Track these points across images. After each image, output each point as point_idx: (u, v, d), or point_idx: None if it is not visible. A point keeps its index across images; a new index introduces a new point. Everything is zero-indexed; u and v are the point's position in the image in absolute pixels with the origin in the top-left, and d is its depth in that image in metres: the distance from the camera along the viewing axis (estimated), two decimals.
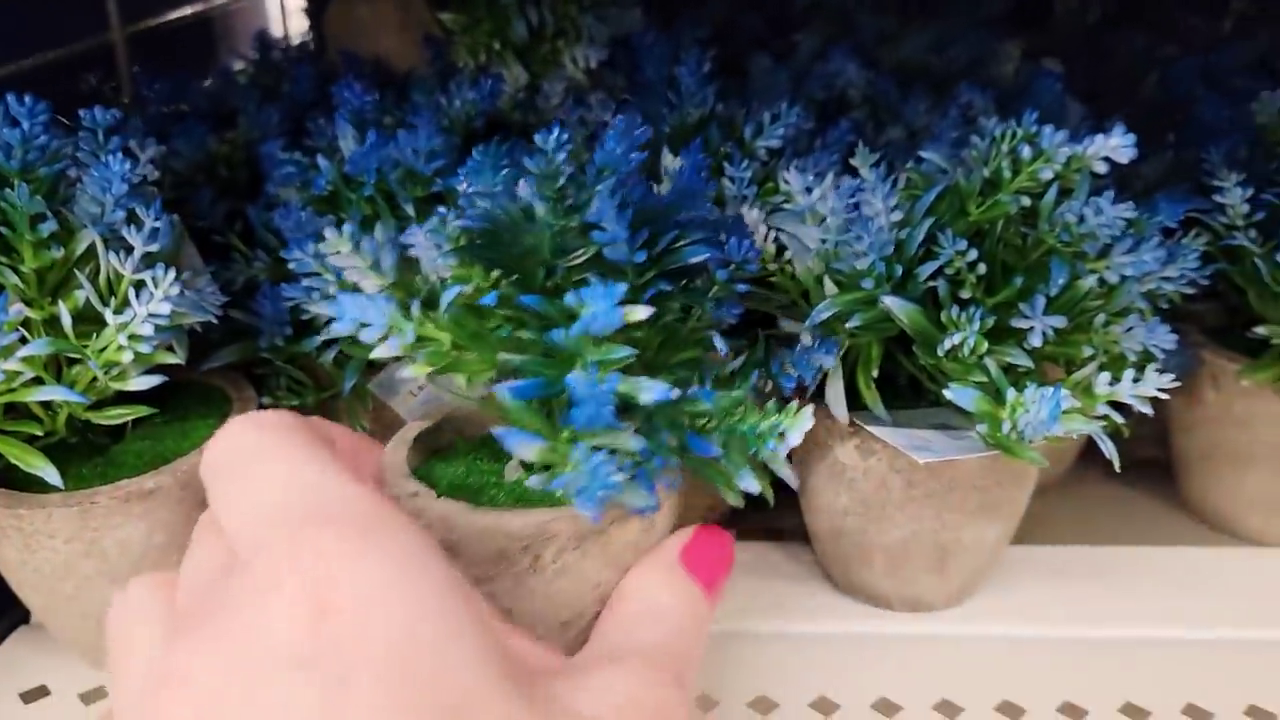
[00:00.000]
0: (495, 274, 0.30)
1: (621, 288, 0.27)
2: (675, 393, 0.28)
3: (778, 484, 0.34)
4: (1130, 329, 0.41)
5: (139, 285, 0.40)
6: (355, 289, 0.32)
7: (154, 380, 0.41)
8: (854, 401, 0.42)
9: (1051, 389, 0.37)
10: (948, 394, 0.38)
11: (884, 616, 0.47)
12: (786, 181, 0.43)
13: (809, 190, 0.43)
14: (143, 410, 0.41)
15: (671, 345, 0.32)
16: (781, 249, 0.43)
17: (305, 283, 0.40)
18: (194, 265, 0.46)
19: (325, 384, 0.48)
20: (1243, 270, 0.49)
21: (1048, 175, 0.39)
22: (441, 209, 0.35)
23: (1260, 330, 0.48)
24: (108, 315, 0.40)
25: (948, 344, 0.39)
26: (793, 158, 0.50)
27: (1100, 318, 0.41)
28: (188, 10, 0.79)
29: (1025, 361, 0.39)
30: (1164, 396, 0.38)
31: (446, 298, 0.30)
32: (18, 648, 0.46)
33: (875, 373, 0.41)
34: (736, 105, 0.55)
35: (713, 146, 0.51)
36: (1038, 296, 0.38)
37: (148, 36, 0.72)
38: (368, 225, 0.45)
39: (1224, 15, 0.75)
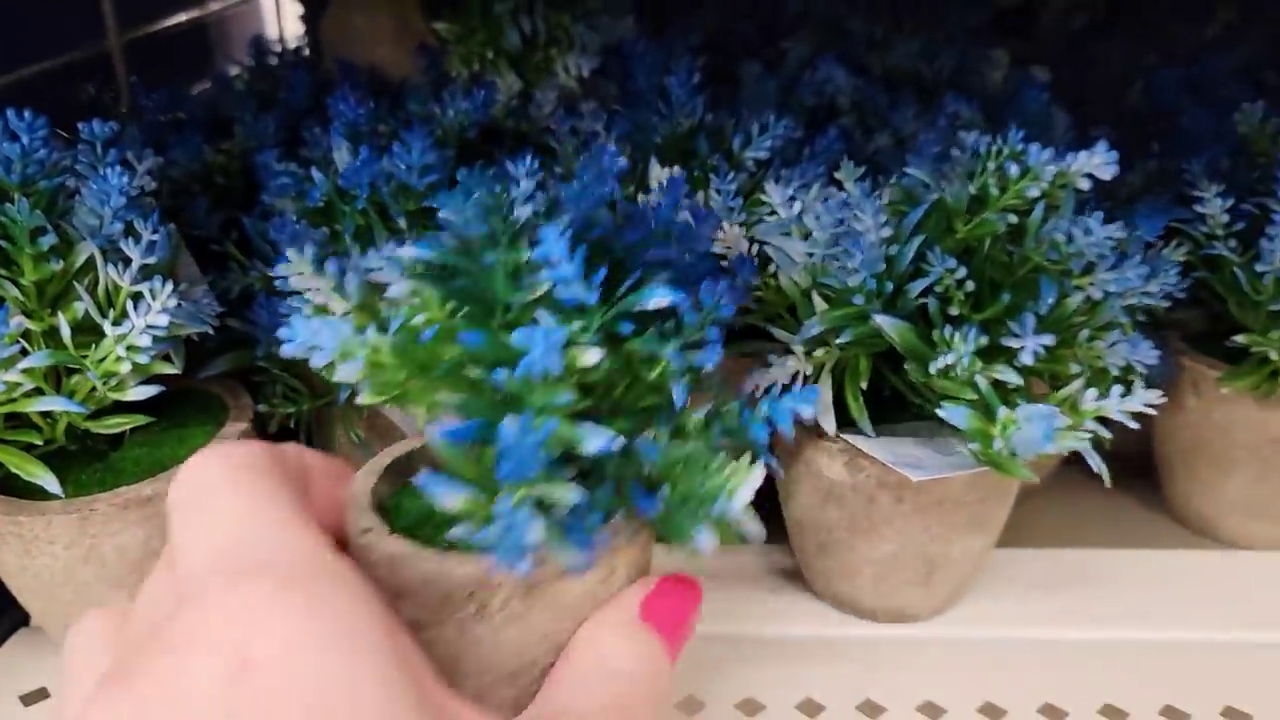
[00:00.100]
0: (449, 306, 0.29)
1: (562, 331, 0.26)
2: (619, 443, 0.27)
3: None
4: (1114, 344, 0.42)
5: (137, 297, 0.41)
6: (324, 310, 0.32)
7: (152, 390, 0.42)
8: (840, 416, 0.42)
9: (1046, 408, 0.37)
10: (940, 412, 0.39)
11: (869, 621, 0.48)
12: (768, 195, 0.43)
13: (791, 203, 0.43)
14: (141, 419, 0.42)
15: (637, 389, 0.30)
16: (767, 261, 0.44)
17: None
18: (191, 275, 0.47)
19: (320, 392, 0.49)
20: (1223, 279, 0.50)
21: (1034, 193, 0.39)
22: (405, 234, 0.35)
23: (1239, 339, 0.48)
24: (106, 327, 0.40)
25: (941, 363, 0.39)
26: (781, 168, 0.51)
27: (1085, 333, 0.41)
28: (184, 17, 0.80)
29: (1015, 379, 0.39)
30: (1151, 412, 0.39)
31: (393, 326, 0.29)
32: (18, 650, 0.47)
33: (864, 386, 0.42)
34: (726, 115, 0.55)
35: (701, 157, 0.52)
36: (1027, 315, 0.39)
37: (145, 44, 0.73)
38: (361, 237, 0.46)
39: (1210, 23, 0.76)
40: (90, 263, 0.41)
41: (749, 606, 0.49)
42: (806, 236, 0.43)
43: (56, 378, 0.41)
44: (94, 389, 0.41)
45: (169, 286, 0.40)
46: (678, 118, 0.53)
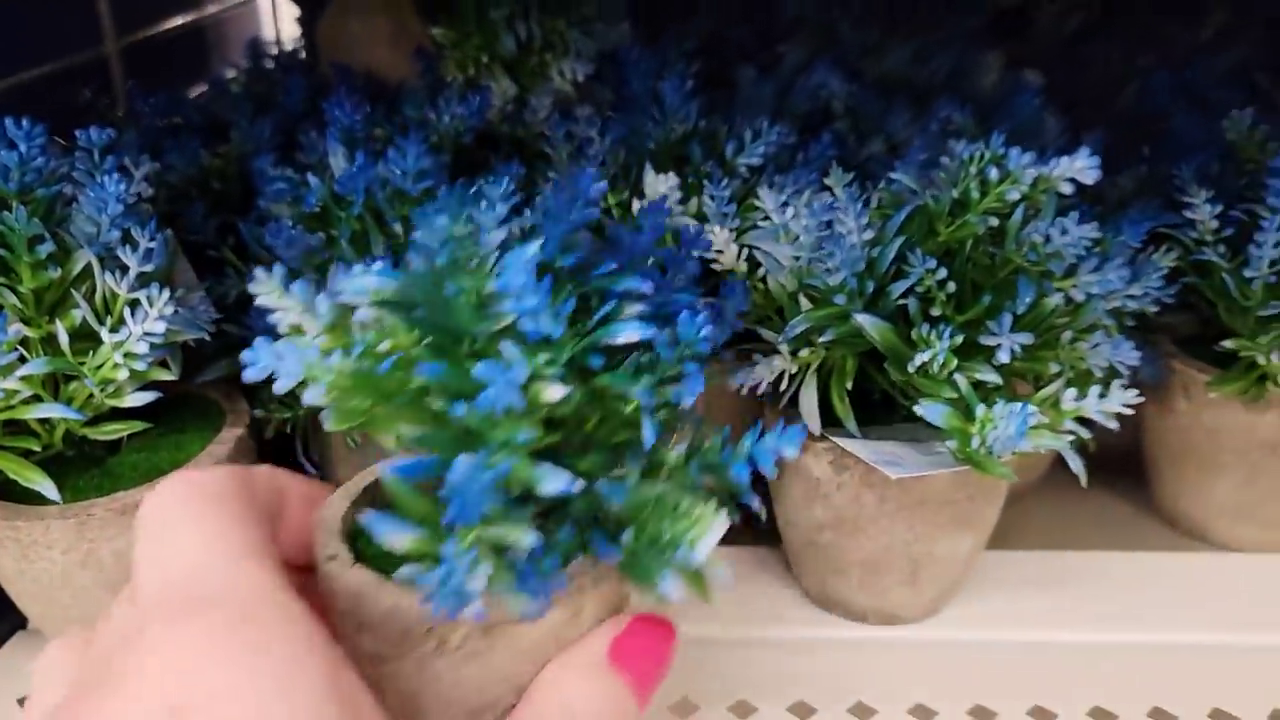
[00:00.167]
0: (414, 334, 0.28)
1: (522, 367, 0.25)
2: (578, 485, 0.26)
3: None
4: (1096, 345, 0.42)
5: (134, 304, 0.41)
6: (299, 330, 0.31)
7: (149, 396, 0.42)
8: (827, 416, 0.43)
9: (1019, 405, 0.38)
10: (918, 410, 0.40)
11: (860, 623, 0.48)
12: (761, 200, 0.44)
13: (784, 209, 0.44)
14: (138, 425, 0.43)
15: (610, 424, 0.28)
16: (756, 265, 0.45)
17: None
18: (188, 281, 0.47)
19: None
20: (1212, 284, 0.50)
21: (1014, 196, 0.40)
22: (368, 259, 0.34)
23: (1228, 344, 0.49)
24: (104, 334, 0.41)
25: (918, 361, 0.40)
26: (774, 174, 0.51)
27: (1067, 334, 0.42)
28: (181, 20, 0.80)
29: (994, 378, 0.40)
30: (1129, 412, 0.40)
31: (353, 353, 0.28)
32: (16, 653, 0.47)
33: (849, 385, 0.43)
34: (720, 120, 0.56)
35: (695, 164, 0.52)
36: (1005, 314, 0.40)
37: (142, 48, 0.73)
38: (357, 243, 0.47)
39: (1203, 26, 0.76)
40: (88, 270, 0.42)
41: (742, 608, 0.49)
42: (794, 240, 0.43)
43: (54, 384, 0.41)
44: (91, 395, 0.41)
45: (166, 294, 0.41)
46: (672, 124, 0.54)
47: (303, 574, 0.28)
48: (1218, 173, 0.54)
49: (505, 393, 0.24)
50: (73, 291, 0.41)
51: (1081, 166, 0.39)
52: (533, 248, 0.27)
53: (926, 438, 0.42)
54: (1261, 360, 0.48)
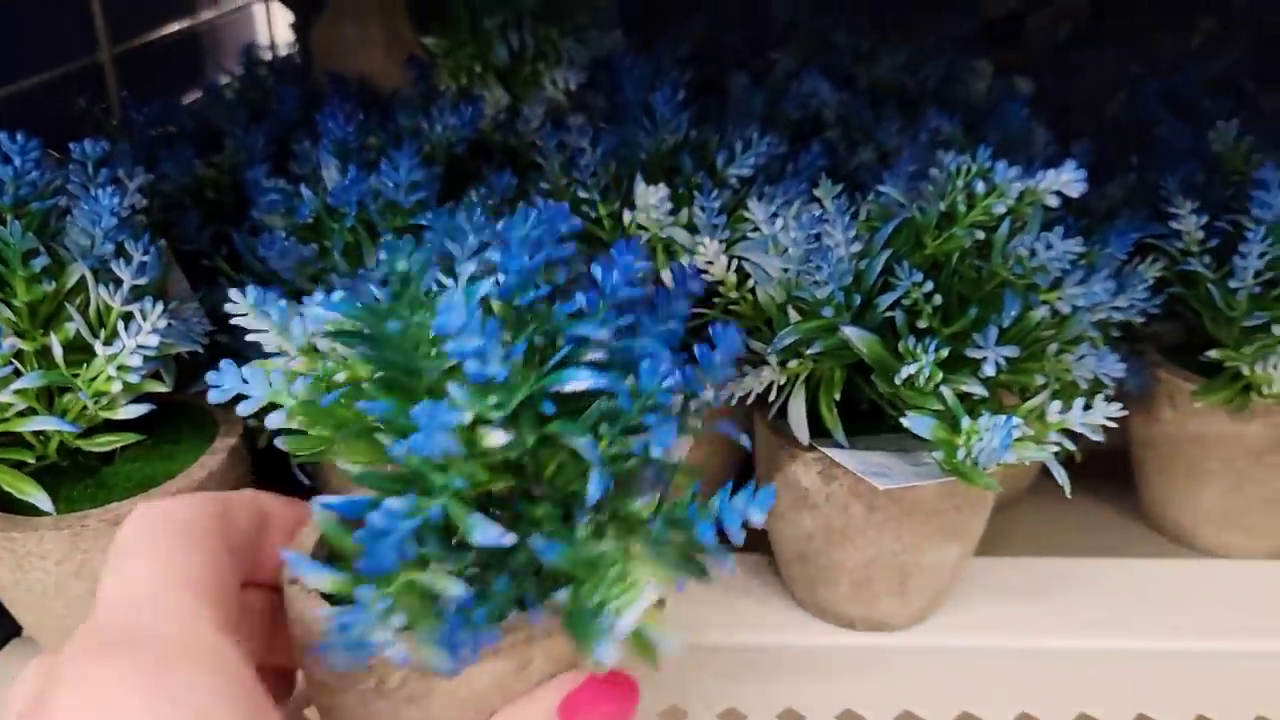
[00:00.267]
0: (369, 367, 0.27)
1: (453, 411, 0.24)
2: (509, 539, 0.25)
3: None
4: (1082, 357, 0.43)
5: (127, 317, 0.42)
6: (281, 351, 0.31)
7: (142, 409, 0.42)
8: (816, 426, 0.43)
9: (1004, 418, 0.38)
10: (905, 422, 0.40)
11: (848, 630, 0.49)
12: (750, 212, 0.44)
13: (774, 220, 0.44)
14: (131, 437, 0.43)
15: (568, 472, 0.27)
16: (745, 277, 0.45)
17: None
18: (182, 292, 0.48)
19: None
20: (1197, 295, 0.50)
21: (1001, 210, 0.40)
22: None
23: (1213, 354, 0.49)
24: (97, 346, 0.41)
25: (904, 373, 0.40)
26: (764, 185, 0.51)
27: (1053, 347, 0.42)
28: (176, 27, 0.80)
29: (980, 390, 0.40)
30: (1112, 425, 0.40)
31: (301, 384, 0.28)
32: (11, 660, 0.48)
33: (837, 396, 0.43)
34: (711, 129, 0.56)
35: (685, 174, 0.52)
36: (990, 327, 0.40)
37: (137, 55, 0.73)
38: (350, 254, 0.47)
39: (1192, 33, 0.77)
40: (82, 283, 0.42)
41: (731, 614, 0.50)
42: (783, 252, 0.44)
43: (48, 397, 0.42)
44: (85, 408, 0.41)
45: (159, 307, 0.41)
46: (663, 134, 0.54)
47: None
48: (1203, 183, 0.54)
49: (435, 437, 0.23)
50: (67, 305, 0.42)
51: (1067, 179, 0.40)
52: (484, 286, 0.26)
53: (914, 448, 0.43)
54: (1246, 371, 0.48)
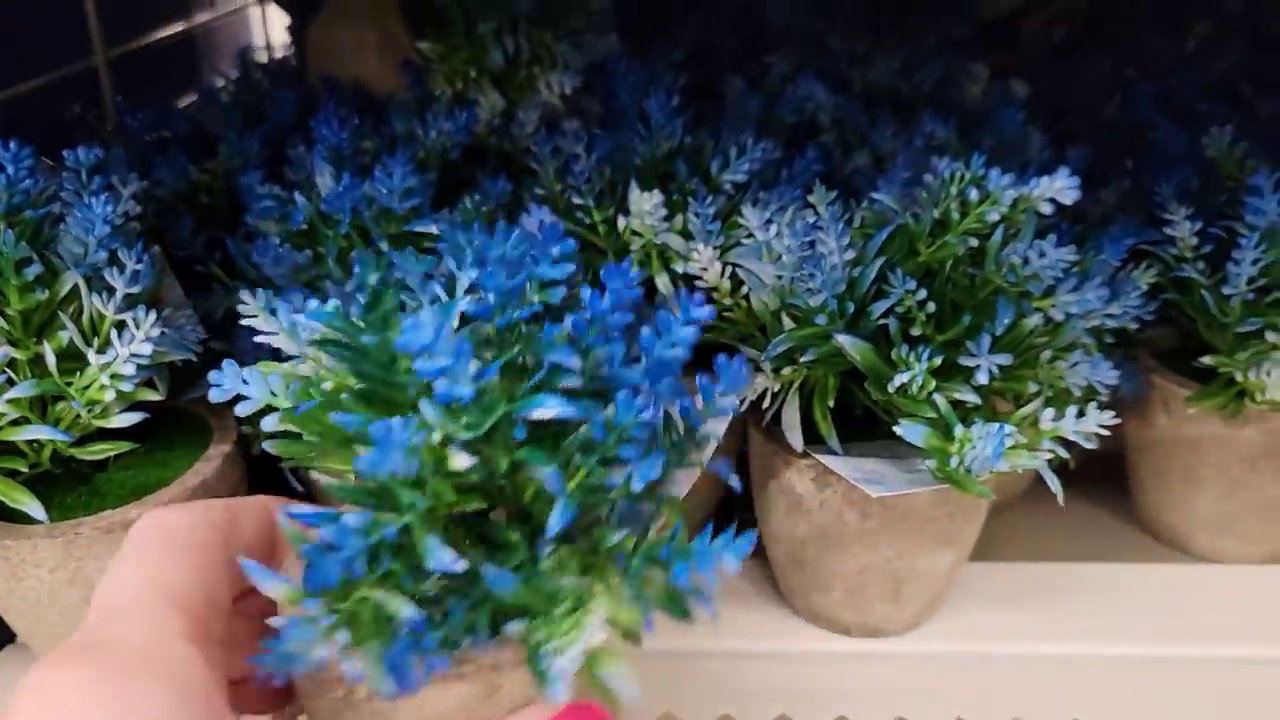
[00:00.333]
0: (349, 379, 0.27)
1: (408, 432, 0.23)
2: (460, 565, 0.24)
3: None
4: (1075, 365, 0.43)
5: (121, 325, 0.42)
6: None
7: (135, 417, 0.42)
8: (810, 433, 0.43)
9: (996, 426, 0.39)
10: (898, 430, 0.40)
11: (842, 636, 0.49)
12: (745, 218, 0.44)
13: (768, 226, 0.44)
14: (125, 446, 0.43)
15: (542, 502, 0.26)
16: (739, 283, 0.45)
17: None
18: (175, 298, 0.48)
19: None
20: (1191, 301, 0.50)
21: (994, 217, 0.41)
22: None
23: (1207, 360, 0.49)
24: (91, 355, 0.41)
25: (898, 381, 0.40)
26: (758, 190, 0.51)
27: (1046, 354, 0.42)
28: (171, 30, 0.80)
29: (973, 397, 0.40)
30: (1105, 433, 0.40)
31: (291, 389, 0.28)
32: (5, 666, 0.48)
33: (831, 403, 0.43)
34: (706, 134, 0.56)
35: (680, 180, 0.52)
36: (984, 335, 0.40)
37: (131, 59, 0.73)
38: (344, 260, 0.47)
39: (1187, 38, 0.77)
40: (75, 291, 0.42)
41: (726, 621, 0.50)
42: (777, 259, 0.44)
43: (42, 405, 0.42)
44: (78, 416, 0.41)
45: (153, 315, 0.41)
46: (657, 140, 0.54)
47: None
48: (1198, 189, 0.54)
49: (390, 455, 0.23)
50: (60, 313, 0.41)
51: (1061, 186, 0.40)
52: (458, 305, 0.26)
53: (908, 455, 0.43)
54: (1240, 376, 0.48)
